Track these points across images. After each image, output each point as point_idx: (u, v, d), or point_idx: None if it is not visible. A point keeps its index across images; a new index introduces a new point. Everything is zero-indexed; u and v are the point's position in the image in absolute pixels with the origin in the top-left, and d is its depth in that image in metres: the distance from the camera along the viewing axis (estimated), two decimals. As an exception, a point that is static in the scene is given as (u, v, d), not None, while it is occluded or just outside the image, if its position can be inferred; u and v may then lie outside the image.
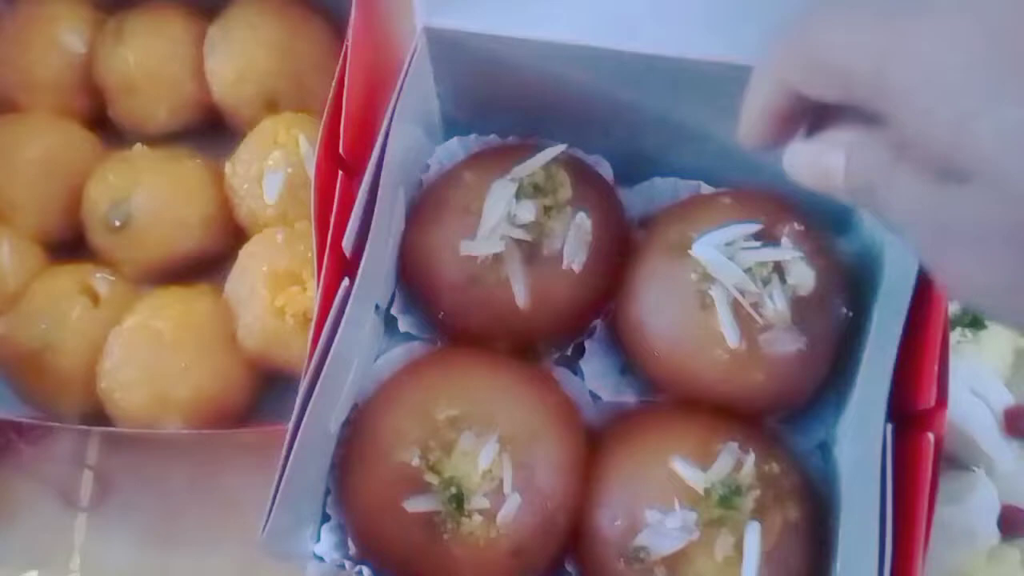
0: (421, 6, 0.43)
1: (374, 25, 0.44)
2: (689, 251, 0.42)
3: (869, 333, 0.41)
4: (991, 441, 0.41)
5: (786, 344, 0.41)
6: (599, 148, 0.50)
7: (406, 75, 0.43)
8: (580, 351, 0.47)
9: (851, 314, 0.42)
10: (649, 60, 0.43)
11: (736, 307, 0.41)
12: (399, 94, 0.41)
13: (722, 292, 0.41)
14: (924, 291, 0.37)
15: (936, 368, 0.35)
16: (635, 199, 0.49)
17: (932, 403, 0.35)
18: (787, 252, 0.41)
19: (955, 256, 0.25)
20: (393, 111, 0.41)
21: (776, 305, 0.41)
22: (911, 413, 0.36)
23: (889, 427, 0.35)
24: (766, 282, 0.41)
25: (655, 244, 0.44)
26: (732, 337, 0.41)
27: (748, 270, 0.41)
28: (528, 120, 0.49)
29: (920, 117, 0.24)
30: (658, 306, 0.43)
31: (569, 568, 0.42)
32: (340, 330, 0.38)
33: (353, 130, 0.41)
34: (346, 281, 0.39)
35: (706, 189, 0.49)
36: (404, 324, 0.47)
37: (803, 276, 0.41)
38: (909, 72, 0.24)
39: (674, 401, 0.44)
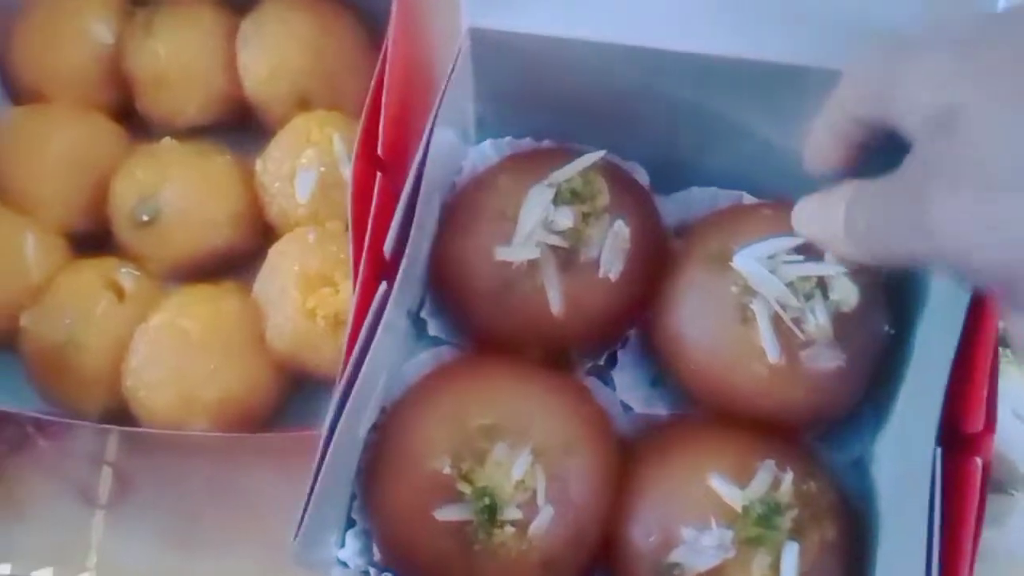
0: (467, 6, 0.42)
1: (413, 24, 0.43)
2: (730, 263, 0.41)
3: (913, 350, 0.41)
4: (1031, 464, 0.41)
5: (827, 360, 0.40)
6: (635, 153, 0.49)
7: (451, 77, 0.42)
8: (612, 361, 0.46)
9: (893, 331, 0.41)
10: (700, 60, 0.42)
11: (777, 322, 0.40)
12: (443, 96, 0.41)
13: (763, 306, 0.40)
14: (974, 310, 0.36)
15: (986, 391, 0.35)
16: (671, 207, 0.49)
17: (981, 427, 0.34)
18: (830, 267, 0.40)
19: None
20: (436, 112, 0.40)
21: (818, 320, 0.40)
22: (958, 436, 0.36)
23: (938, 450, 0.34)
24: (808, 297, 0.40)
25: (694, 254, 0.43)
26: (773, 352, 0.40)
27: (790, 284, 0.40)
28: (563, 123, 0.48)
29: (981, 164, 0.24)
30: (696, 318, 0.42)
31: (601, 578, 0.42)
32: (377, 335, 0.37)
33: (390, 130, 0.40)
34: (384, 285, 0.38)
35: (748, 199, 0.48)
36: (433, 328, 0.46)
37: (846, 292, 0.40)
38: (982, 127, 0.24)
39: (710, 416, 0.43)
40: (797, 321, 0.40)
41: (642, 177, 0.49)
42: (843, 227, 0.29)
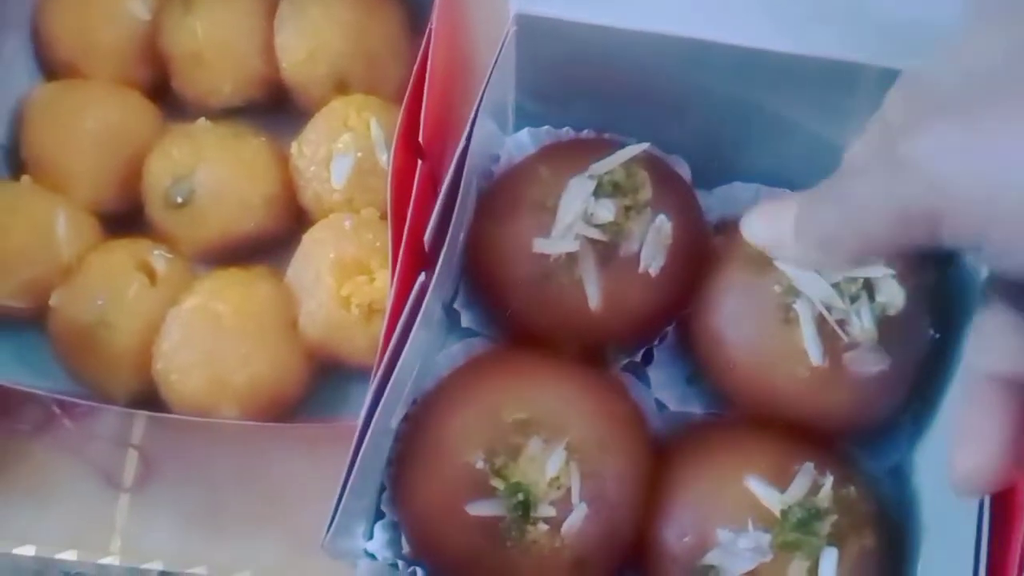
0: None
1: (457, 9, 0.42)
2: (773, 262, 0.40)
3: (958, 356, 0.40)
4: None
5: (871, 364, 0.39)
6: (677, 147, 0.48)
7: (496, 64, 0.41)
8: (648, 357, 0.46)
9: (938, 336, 0.41)
10: (747, 53, 0.41)
11: (821, 323, 0.39)
12: (487, 84, 0.40)
13: (807, 307, 0.39)
14: None
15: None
16: (713, 202, 0.48)
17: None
18: (878, 269, 0.39)
19: None
20: (480, 101, 0.39)
21: (863, 323, 0.39)
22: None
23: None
24: (854, 299, 0.39)
25: (736, 253, 0.42)
26: (816, 354, 0.39)
27: (835, 285, 0.39)
28: (604, 113, 0.47)
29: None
30: (738, 317, 0.41)
31: (632, 578, 0.41)
32: (415, 327, 0.37)
33: (432, 118, 0.39)
34: (423, 276, 0.37)
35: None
36: (466, 319, 0.46)
37: (893, 295, 0.39)
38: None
39: (747, 417, 0.43)
40: (841, 323, 0.39)
41: (684, 171, 0.48)
42: (792, 225, 0.28)
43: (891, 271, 0.39)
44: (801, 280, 0.39)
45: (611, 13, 0.42)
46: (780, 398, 0.40)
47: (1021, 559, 0.33)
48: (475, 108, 0.39)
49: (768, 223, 0.31)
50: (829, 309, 0.39)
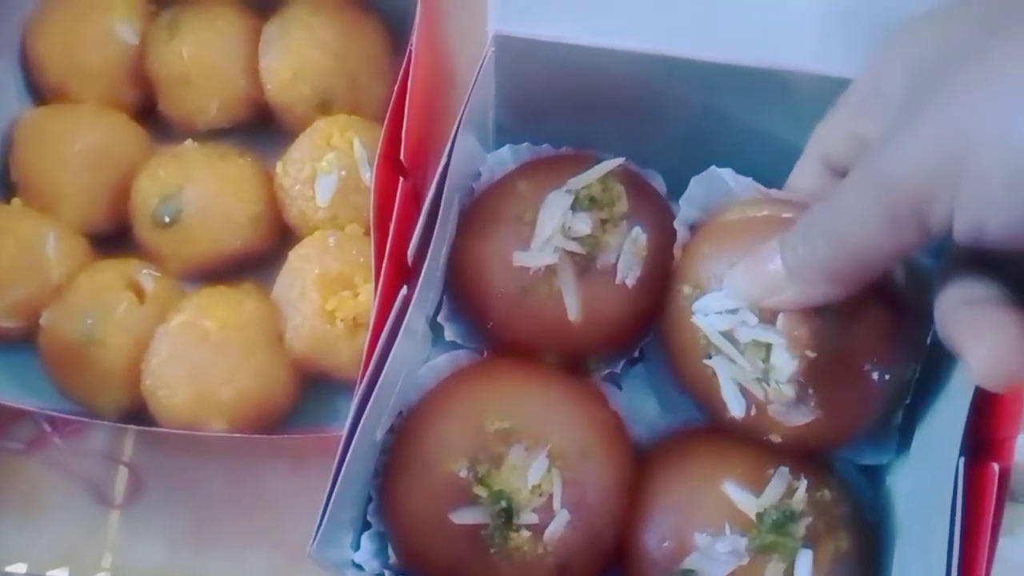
0: (494, 13, 0.43)
1: (437, 29, 0.44)
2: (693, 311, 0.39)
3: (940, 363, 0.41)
4: (1046, 476, 0.41)
5: (797, 416, 0.38)
6: (653, 161, 0.49)
7: (475, 83, 0.42)
8: (629, 367, 0.47)
9: (916, 375, 0.40)
10: (721, 69, 0.42)
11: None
12: (468, 102, 0.41)
13: (724, 363, 0.38)
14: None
15: (1015, 399, 0.34)
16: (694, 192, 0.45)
17: (1007, 434, 0.34)
18: (774, 336, 0.36)
19: None
20: (461, 118, 0.40)
21: (779, 383, 0.37)
22: (980, 443, 0.36)
23: (961, 460, 0.35)
24: (765, 359, 0.37)
25: (677, 282, 0.42)
26: (736, 409, 0.39)
27: (747, 344, 0.37)
28: (582, 130, 0.49)
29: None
30: (682, 350, 0.41)
31: (615, 586, 0.42)
32: (398, 340, 0.38)
33: (413, 135, 0.41)
34: (405, 289, 0.38)
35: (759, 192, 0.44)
36: (450, 332, 0.46)
37: (784, 363, 0.37)
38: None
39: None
40: (760, 380, 0.38)
41: (659, 184, 0.49)
42: (781, 264, 0.29)
43: (782, 339, 0.36)
44: (713, 338, 0.38)
45: (588, 32, 0.43)
46: (730, 428, 0.40)
47: (989, 558, 0.34)
48: (456, 126, 0.41)
49: (753, 276, 0.32)
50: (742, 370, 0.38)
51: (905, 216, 0.24)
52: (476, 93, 0.42)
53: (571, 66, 0.44)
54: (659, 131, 0.48)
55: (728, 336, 0.37)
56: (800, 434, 0.39)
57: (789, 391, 0.37)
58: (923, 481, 0.37)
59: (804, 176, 0.38)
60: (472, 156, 0.48)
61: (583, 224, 0.44)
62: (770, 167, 0.46)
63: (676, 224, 0.43)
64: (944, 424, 0.36)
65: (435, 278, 0.44)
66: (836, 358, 0.37)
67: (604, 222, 0.44)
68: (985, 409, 0.36)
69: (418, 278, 0.39)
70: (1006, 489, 0.34)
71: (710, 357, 0.39)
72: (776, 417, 0.38)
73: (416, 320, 0.42)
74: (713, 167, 0.44)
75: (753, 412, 0.38)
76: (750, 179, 0.43)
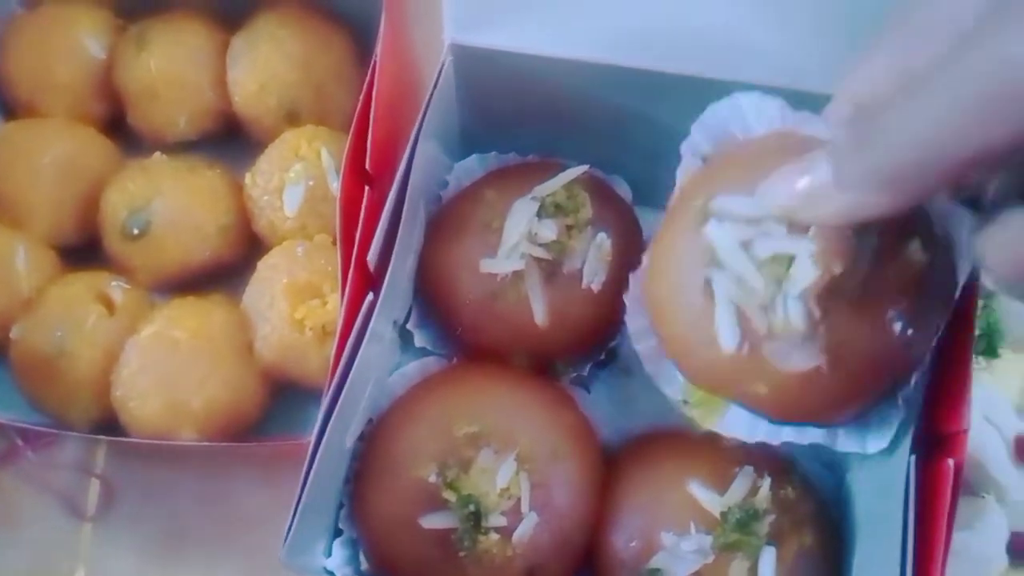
0: (449, 23, 0.43)
1: (401, 40, 0.44)
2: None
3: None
4: (1002, 469, 0.42)
5: (797, 360, 0.33)
6: (617, 168, 0.50)
7: (433, 91, 0.43)
8: (597, 370, 0.47)
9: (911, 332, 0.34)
10: (674, 80, 0.43)
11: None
12: (426, 110, 0.42)
13: (726, 285, 0.33)
14: (956, 314, 0.37)
15: (969, 391, 0.35)
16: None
17: (958, 429, 0.35)
18: (802, 244, 0.31)
19: None
20: (420, 126, 0.41)
21: (787, 312, 0.32)
22: (933, 439, 0.37)
23: (913, 457, 0.35)
24: (779, 280, 0.32)
25: (678, 209, 0.36)
26: (728, 340, 0.33)
27: (767, 261, 0.32)
28: (548, 138, 0.50)
29: None
30: (674, 278, 0.35)
31: (584, 587, 0.42)
32: (363, 345, 0.38)
33: (377, 145, 0.41)
34: (370, 296, 0.39)
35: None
36: (420, 339, 0.47)
37: (806, 274, 0.31)
38: None
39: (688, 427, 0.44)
40: (766, 308, 0.32)
41: (624, 191, 0.50)
42: (827, 172, 0.25)
43: (811, 247, 0.31)
44: (722, 252, 0.33)
45: (544, 43, 0.44)
46: (701, 381, 0.36)
47: (944, 551, 0.35)
48: (414, 135, 0.41)
49: (791, 186, 0.28)
50: (751, 290, 0.32)
51: (1006, 98, 0.21)
52: (436, 102, 0.43)
53: (529, 76, 0.45)
54: (621, 140, 0.48)
55: (740, 251, 0.32)
56: (791, 389, 0.33)
57: (798, 320, 0.31)
58: (881, 478, 0.38)
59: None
60: (438, 165, 0.49)
61: (549, 230, 0.44)
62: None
63: (683, 152, 0.39)
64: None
65: (402, 285, 0.45)
66: (861, 294, 0.32)
67: (569, 228, 0.45)
68: (936, 405, 0.36)
69: (382, 285, 0.40)
70: (960, 484, 0.35)
71: (707, 285, 0.33)
72: (772, 358, 0.33)
73: (382, 326, 0.42)
74: (737, 93, 0.38)
75: (746, 349, 0.33)
76: (778, 101, 0.37)
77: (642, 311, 0.39)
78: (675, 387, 0.38)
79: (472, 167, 0.50)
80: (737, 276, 0.32)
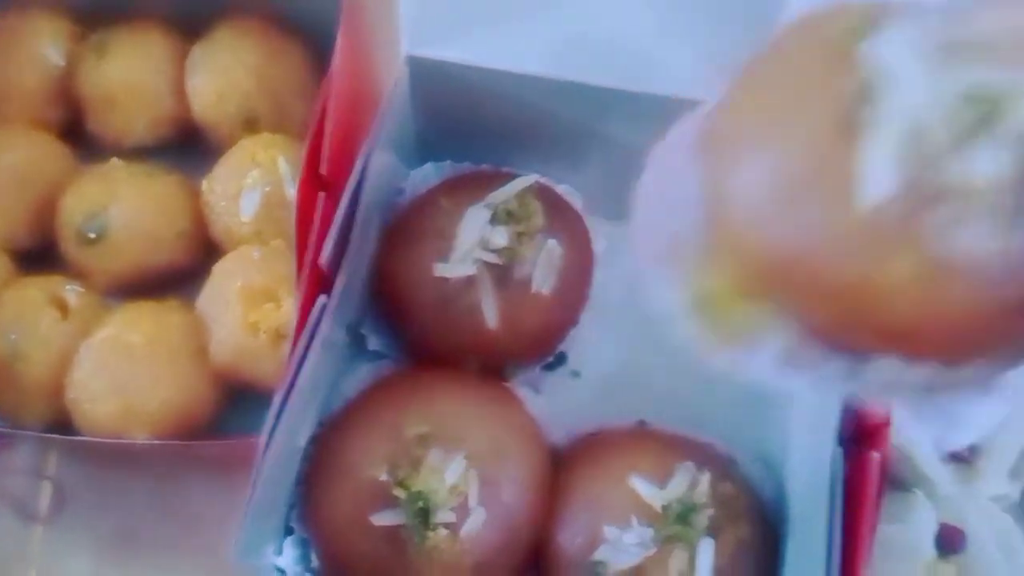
0: (407, 36, 0.45)
1: (358, 50, 0.46)
2: None
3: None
4: (931, 465, 0.44)
5: (978, 243, 0.21)
6: (570, 179, 0.52)
7: (389, 101, 0.44)
8: (546, 372, 0.49)
9: None
10: (623, 95, 0.45)
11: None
12: (381, 119, 0.43)
13: (892, 111, 0.23)
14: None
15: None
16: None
17: (880, 420, 0.37)
18: None
19: None
20: (375, 135, 0.42)
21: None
22: (859, 433, 0.39)
23: (839, 450, 0.37)
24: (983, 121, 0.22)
25: (798, 34, 0.27)
26: (878, 185, 0.21)
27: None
28: (502, 149, 0.51)
29: None
30: (771, 119, 0.25)
31: (533, 583, 0.43)
32: (314, 346, 0.39)
33: (333, 152, 0.42)
34: (323, 298, 0.40)
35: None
36: (373, 343, 0.48)
37: None
38: None
39: (635, 425, 0.46)
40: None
41: (576, 201, 0.52)
42: None
43: None
44: (896, 65, 0.22)
45: (498, 57, 0.45)
46: (771, 264, 0.25)
47: (870, 543, 0.36)
48: (368, 142, 0.42)
49: None
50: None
51: None
52: (390, 112, 0.44)
53: (483, 88, 0.47)
54: (574, 151, 0.50)
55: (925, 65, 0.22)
56: (948, 290, 0.22)
57: (1001, 180, 0.21)
58: (808, 471, 0.40)
59: None
60: (394, 173, 0.50)
61: (501, 237, 0.46)
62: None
63: None
64: (823, 416, 0.39)
65: (356, 289, 0.46)
66: None
67: (521, 235, 0.46)
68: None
69: (334, 288, 0.41)
70: (886, 476, 0.37)
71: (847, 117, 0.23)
72: (935, 233, 0.21)
73: (335, 330, 0.43)
74: None
75: (898, 209, 0.22)
76: None
77: (680, 178, 0.29)
78: (683, 285, 0.28)
79: (427, 175, 0.52)
80: (913, 102, 0.22)
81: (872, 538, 0.36)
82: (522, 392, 0.47)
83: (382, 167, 0.47)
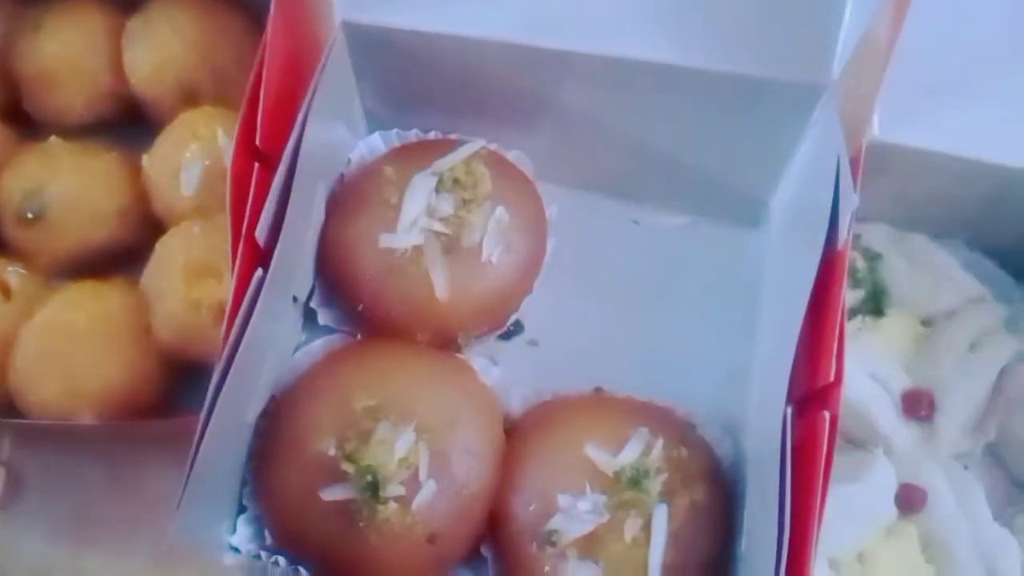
0: (341, 2, 0.44)
1: (294, 19, 0.44)
2: None
3: (763, 325, 0.43)
4: (889, 423, 0.43)
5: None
6: (522, 144, 0.51)
7: (323, 69, 0.43)
8: (503, 341, 0.48)
9: None
10: (567, 57, 0.44)
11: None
12: (315, 88, 0.42)
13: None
14: (823, 267, 0.39)
15: (836, 344, 0.36)
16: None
17: (830, 380, 0.36)
18: None
19: None
20: (309, 104, 0.41)
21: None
22: (809, 393, 0.38)
23: (789, 409, 0.36)
24: None
25: None
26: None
27: None
28: (451, 116, 0.50)
29: None
30: None
31: (485, 553, 0.43)
32: (253, 320, 0.38)
33: (271, 123, 0.41)
34: (259, 271, 0.39)
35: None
36: (324, 317, 0.47)
37: None
38: None
39: (590, 393, 0.45)
40: None
41: (527, 166, 0.51)
42: None
43: None
44: None
45: (437, 20, 0.44)
46: None
47: (822, 502, 0.36)
48: (303, 111, 0.41)
49: None
50: None
51: None
52: (328, 80, 0.43)
53: (422, 53, 0.45)
54: (524, 116, 0.49)
55: None
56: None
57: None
58: (762, 433, 0.39)
59: None
60: (340, 143, 0.49)
61: (447, 205, 0.45)
62: (622, 152, 0.48)
63: None
64: (774, 376, 0.38)
65: (300, 262, 0.45)
66: None
67: (468, 202, 0.45)
68: (810, 360, 0.38)
69: (272, 260, 0.40)
70: (835, 434, 0.36)
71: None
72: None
73: (278, 303, 0.42)
74: None
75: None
76: None
77: None
78: None
79: (375, 145, 0.51)
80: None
81: (823, 497, 0.36)
82: (478, 363, 0.47)
83: (323, 137, 0.46)
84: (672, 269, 0.50)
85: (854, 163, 0.40)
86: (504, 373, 0.47)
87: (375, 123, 0.51)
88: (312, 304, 0.47)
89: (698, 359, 0.47)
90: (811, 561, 0.34)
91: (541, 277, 0.49)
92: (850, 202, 0.37)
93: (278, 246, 0.40)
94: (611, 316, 0.49)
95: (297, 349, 0.46)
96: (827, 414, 0.36)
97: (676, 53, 0.44)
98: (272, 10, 0.42)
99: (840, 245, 0.39)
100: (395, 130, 0.51)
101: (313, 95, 0.41)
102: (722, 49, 0.43)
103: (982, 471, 0.45)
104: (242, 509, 0.43)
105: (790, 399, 0.38)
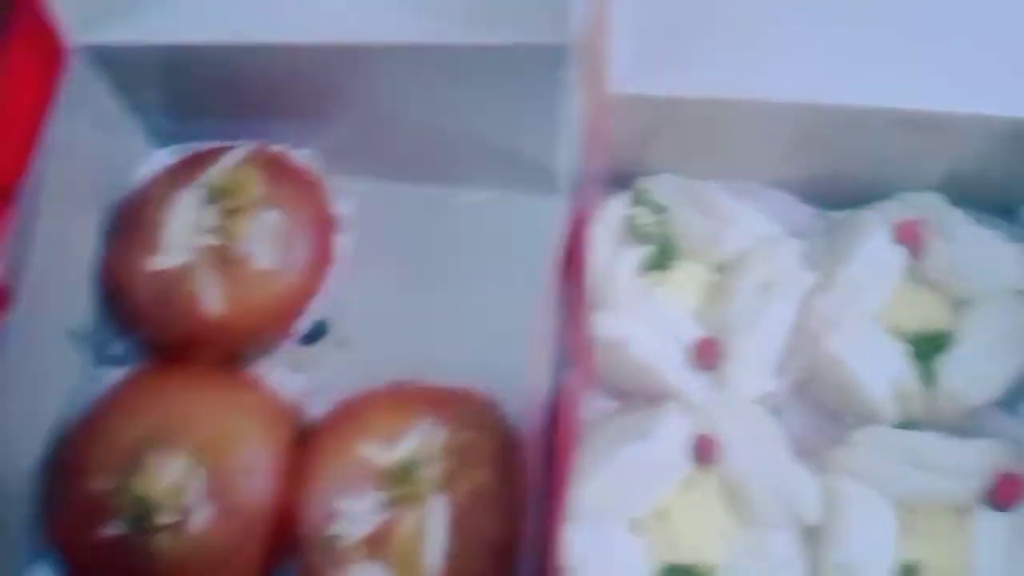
0: (71, 26, 0.43)
1: (35, 48, 0.43)
2: None
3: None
4: (680, 375, 0.41)
5: None
6: (316, 141, 0.49)
7: (65, 97, 0.42)
8: (307, 346, 0.47)
9: None
10: (326, 50, 0.43)
11: None
12: (55, 117, 0.41)
13: None
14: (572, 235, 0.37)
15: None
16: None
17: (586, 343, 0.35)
18: None
19: None
20: (50, 136, 0.40)
21: None
22: (575, 353, 0.37)
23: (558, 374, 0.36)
24: None
25: None
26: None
27: None
28: (237, 122, 0.48)
29: None
30: None
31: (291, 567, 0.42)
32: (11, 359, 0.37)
33: (5, 159, 0.40)
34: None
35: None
36: (115, 349, 0.46)
37: None
38: None
39: (384, 388, 0.44)
40: None
41: (318, 162, 0.49)
42: None
43: None
44: None
45: (174, 31, 0.43)
46: None
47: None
48: (42, 144, 0.40)
49: None
50: None
51: None
52: (75, 105, 0.42)
53: (186, 66, 0.45)
54: (313, 113, 0.48)
55: None
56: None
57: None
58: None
59: None
60: (112, 168, 0.48)
61: (213, 217, 0.44)
62: (419, 142, 0.47)
63: None
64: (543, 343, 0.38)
65: (68, 296, 0.44)
66: None
67: (235, 211, 0.44)
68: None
69: (13, 301, 0.39)
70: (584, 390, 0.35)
71: None
72: None
73: (39, 341, 0.41)
74: None
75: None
76: None
77: None
78: None
79: (157, 164, 0.49)
80: None
81: (572, 451, 0.35)
82: (277, 373, 0.46)
83: (93, 163, 0.45)
84: (480, 248, 0.48)
85: (599, 119, 0.39)
86: (312, 378, 0.46)
87: (168, 139, 0.50)
88: (100, 335, 0.46)
89: (511, 334, 0.45)
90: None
91: (347, 274, 0.47)
92: (595, 159, 0.36)
93: (26, 284, 0.39)
94: (422, 304, 0.48)
95: (93, 382, 0.45)
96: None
97: (424, 32, 0.42)
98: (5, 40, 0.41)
99: (584, 202, 0.37)
100: (172, 147, 0.49)
101: (54, 124, 0.40)
102: (466, 23, 0.42)
103: (793, 410, 0.43)
104: (41, 554, 0.42)
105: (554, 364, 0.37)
